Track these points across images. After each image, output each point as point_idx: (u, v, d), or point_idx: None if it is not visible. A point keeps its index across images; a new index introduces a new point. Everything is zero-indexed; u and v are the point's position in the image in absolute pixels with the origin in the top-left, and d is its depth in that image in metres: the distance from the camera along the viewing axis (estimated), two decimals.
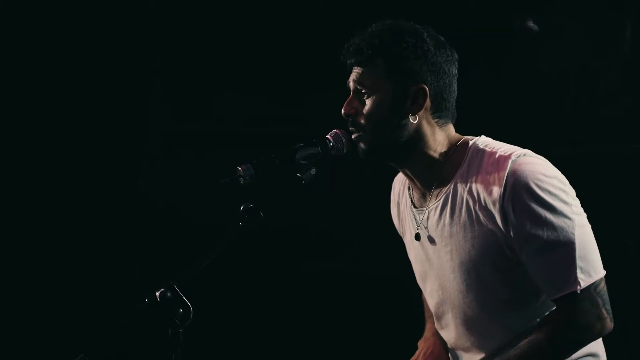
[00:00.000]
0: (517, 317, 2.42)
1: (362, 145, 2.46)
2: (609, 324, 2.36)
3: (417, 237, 2.54)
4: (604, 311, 2.34)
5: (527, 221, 2.28)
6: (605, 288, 2.35)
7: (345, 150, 2.47)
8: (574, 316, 2.32)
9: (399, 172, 2.71)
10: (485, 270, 2.39)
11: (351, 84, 2.47)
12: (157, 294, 2.14)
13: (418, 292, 2.85)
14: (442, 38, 2.47)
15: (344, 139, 2.46)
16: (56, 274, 4.58)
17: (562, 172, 2.40)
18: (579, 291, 2.29)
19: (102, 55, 4.61)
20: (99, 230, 4.64)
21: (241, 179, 2.30)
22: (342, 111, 2.47)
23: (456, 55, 2.49)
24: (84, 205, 4.64)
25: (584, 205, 2.40)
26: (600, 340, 2.50)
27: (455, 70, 2.47)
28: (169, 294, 2.14)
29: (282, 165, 2.35)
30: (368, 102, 2.42)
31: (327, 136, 2.46)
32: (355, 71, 2.45)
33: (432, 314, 2.73)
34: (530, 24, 4.84)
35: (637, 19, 4.81)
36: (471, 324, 2.48)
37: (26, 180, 4.61)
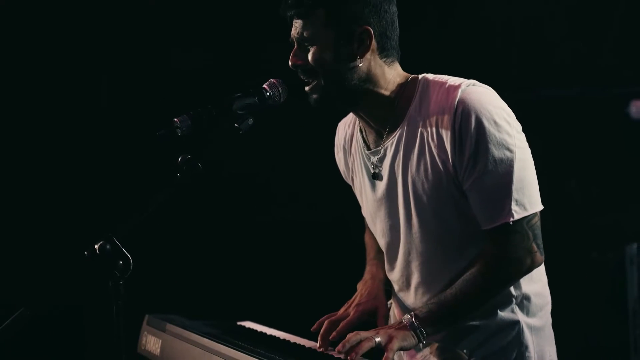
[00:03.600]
0: (467, 256, 2.44)
1: (314, 95, 2.47)
2: (539, 257, 2.40)
3: (375, 176, 2.55)
4: (534, 245, 2.37)
5: (471, 149, 2.31)
6: (538, 223, 2.38)
7: (282, 100, 2.47)
8: (505, 250, 2.35)
9: (343, 118, 2.73)
10: (436, 203, 2.41)
11: (294, 35, 2.46)
12: (96, 246, 2.15)
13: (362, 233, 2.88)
14: None
15: (280, 89, 2.46)
16: None
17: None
18: (511, 222, 2.33)
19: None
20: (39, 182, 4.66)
21: (178, 130, 2.29)
22: (290, 63, 2.47)
23: None
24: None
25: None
26: (542, 268, 2.54)
27: (395, 8, 2.48)
28: (108, 247, 2.15)
29: (219, 116, 2.35)
30: (312, 51, 2.42)
31: (264, 86, 2.45)
32: (297, 23, 2.44)
33: (374, 256, 2.76)
34: None
35: None
36: (421, 261, 2.49)
37: None
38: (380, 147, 2.52)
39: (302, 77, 2.48)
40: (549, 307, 2.57)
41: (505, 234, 2.35)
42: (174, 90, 4.74)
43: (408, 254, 2.52)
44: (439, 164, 2.37)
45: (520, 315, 2.47)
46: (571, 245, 4.93)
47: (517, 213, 2.33)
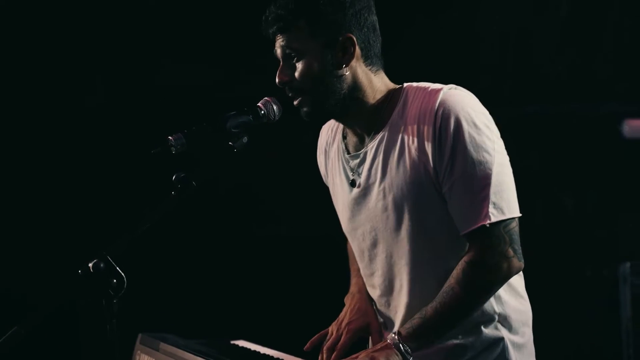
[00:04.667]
0: (451, 257, 2.42)
1: (305, 109, 2.48)
2: (517, 263, 2.37)
3: (353, 183, 2.55)
4: (510, 250, 2.35)
5: (450, 151, 2.32)
6: (516, 229, 2.37)
7: (276, 118, 2.48)
8: (481, 255, 2.34)
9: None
10: (416, 205, 2.40)
11: (279, 52, 2.47)
12: (90, 265, 2.14)
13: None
14: None
15: (275, 107, 2.47)
16: None
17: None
18: (488, 225, 2.31)
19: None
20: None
21: (172, 148, 2.30)
22: (277, 80, 2.48)
23: (372, 2, 2.50)
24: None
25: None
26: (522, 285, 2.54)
27: (374, 17, 2.50)
28: (102, 265, 2.14)
29: (214, 134, 2.35)
30: (300, 65, 2.43)
31: (258, 104, 2.46)
32: (280, 39, 2.45)
33: (358, 267, 2.73)
34: None
35: None
36: (404, 263, 2.47)
37: None
38: (360, 152, 2.53)
39: (290, 94, 2.48)
40: (530, 323, 2.56)
41: (481, 238, 2.33)
42: (169, 108, 4.73)
43: (390, 257, 2.50)
44: (419, 165, 2.37)
45: (503, 332, 2.46)
46: (565, 262, 4.93)
47: (494, 216, 2.32)
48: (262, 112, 2.45)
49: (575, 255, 4.99)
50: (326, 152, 2.73)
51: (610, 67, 5.04)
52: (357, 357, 2.35)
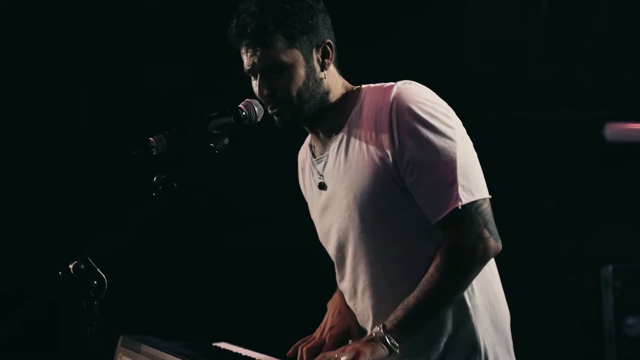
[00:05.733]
0: (413, 255, 2.42)
1: (283, 117, 2.47)
2: (494, 243, 2.36)
3: (320, 186, 2.56)
4: (485, 231, 2.33)
5: (410, 142, 2.32)
6: (489, 209, 2.36)
7: (258, 119, 2.48)
8: (457, 238, 2.32)
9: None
10: (379, 202, 2.40)
11: (258, 65, 2.43)
12: (71, 266, 2.14)
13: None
14: None
15: (256, 108, 2.46)
16: None
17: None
18: (460, 207, 2.30)
19: None
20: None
21: (153, 149, 2.29)
22: (260, 94, 2.46)
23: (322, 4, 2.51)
24: None
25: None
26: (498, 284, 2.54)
27: (329, 18, 2.51)
28: (82, 266, 2.14)
29: (195, 135, 2.35)
30: (286, 76, 2.43)
31: (240, 105, 2.46)
32: (258, 52, 2.41)
33: None
34: None
35: None
36: (366, 263, 2.47)
37: None
38: (323, 155, 2.54)
39: (271, 105, 2.46)
40: (508, 323, 2.55)
41: (454, 222, 2.32)
42: (152, 110, 4.73)
43: (354, 257, 2.50)
44: (378, 161, 2.38)
45: (480, 330, 2.44)
46: (548, 267, 4.95)
47: (465, 198, 2.31)
48: (244, 113, 2.45)
49: (558, 259, 5.01)
50: (303, 170, 2.74)
51: (592, 73, 5.07)
52: (343, 350, 2.33)
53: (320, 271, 2.98)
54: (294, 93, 2.44)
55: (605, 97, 5.10)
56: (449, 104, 2.44)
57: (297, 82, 2.43)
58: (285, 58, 2.41)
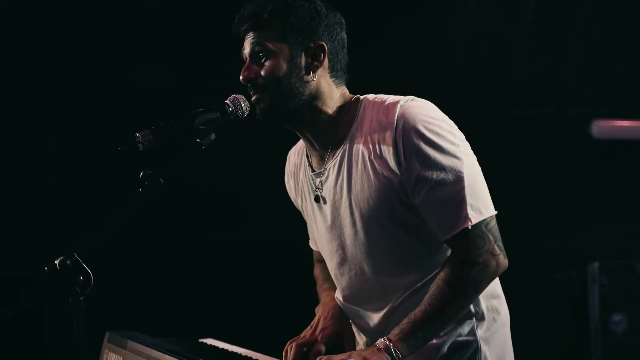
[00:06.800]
0: (418, 270, 2.43)
1: (262, 105, 2.47)
2: (503, 260, 2.38)
3: (317, 199, 2.56)
4: (496, 247, 2.35)
5: (417, 162, 2.32)
6: (496, 226, 2.37)
7: (244, 115, 2.47)
8: (469, 256, 2.33)
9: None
10: (384, 221, 2.40)
11: (247, 50, 2.47)
12: (57, 261, 2.13)
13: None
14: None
15: (242, 104, 2.46)
16: None
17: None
18: (470, 227, 2.31)
19: None
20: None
21: (140, 145, 2.28)
22: (241, 77, 2.47)
23: (344, 22, 2.52)
24: None
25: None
26: (498, 285, 2.54)
27: (345, 35, 2.52)
28: (68, 262, 2.13)
29: (181, 131, 2.35)
30: (268, 64, 2.43)
31: (226, 101, 2.45)
32: (251, 36, 2.45)
33: (328, 286, 2.74)
34: None
35: None
36: (372, 282, 2.48)
37: None
38: (323, 169, 2.53)
39: (251, 92, 2.47)
40: (508, 324, 2.56)
41: (466, 240, 2.33)
42: (138, 107, 4.73)
43: (358, 272, 2.51)
44: (383, 181, 2.38)
45: (480, 333, 2.45)
46: (535, 265, 4.96)
47: (474, 218, 2.32)
48: (230, 109, 2.44)
49: (544, 256, 5.03)
50: (295, 175, 2.73)
51: (579, 71, 5.08)
52: (349, 356, 2.31)
53: (306, 267, 2.98)
54: (273, 82, 2.43)
55: (592, 94, 5.12)
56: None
57: (277, 73, 2.43)
58: (271, 46, 2.42)
